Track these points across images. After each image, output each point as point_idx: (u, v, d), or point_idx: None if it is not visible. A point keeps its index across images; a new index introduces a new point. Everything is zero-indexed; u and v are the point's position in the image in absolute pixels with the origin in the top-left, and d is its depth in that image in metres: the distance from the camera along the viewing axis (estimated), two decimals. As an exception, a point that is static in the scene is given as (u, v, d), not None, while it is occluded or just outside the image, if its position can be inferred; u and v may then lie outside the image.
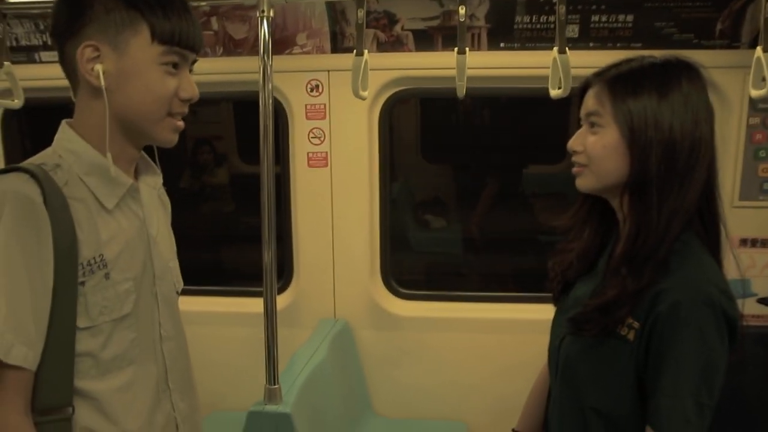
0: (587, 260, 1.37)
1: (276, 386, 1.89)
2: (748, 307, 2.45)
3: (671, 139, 1.19)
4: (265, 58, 1.78)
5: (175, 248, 1.39)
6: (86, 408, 1.13)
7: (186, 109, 1.20)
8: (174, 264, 1.34)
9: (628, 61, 1.27)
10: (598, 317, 1.21)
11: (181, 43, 1.15)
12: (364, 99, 1.92)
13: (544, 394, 1.50)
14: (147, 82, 1.13)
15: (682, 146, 1.19)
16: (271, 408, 1.87)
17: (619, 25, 2.34)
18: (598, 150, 1.24)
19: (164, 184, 1.37)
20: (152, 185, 1.29)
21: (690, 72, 1.24)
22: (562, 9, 1.75)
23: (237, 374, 2.76)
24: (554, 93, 1.82)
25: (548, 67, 1.94)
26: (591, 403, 1.26)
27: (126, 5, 1.12)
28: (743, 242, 2.44)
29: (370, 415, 2.68)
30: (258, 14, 1.77)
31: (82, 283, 1.11)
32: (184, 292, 2.95)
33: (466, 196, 4.58)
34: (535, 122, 3.85)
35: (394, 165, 4.65)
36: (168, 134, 1.19)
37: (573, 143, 1.29)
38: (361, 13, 1.79)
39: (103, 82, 1.11)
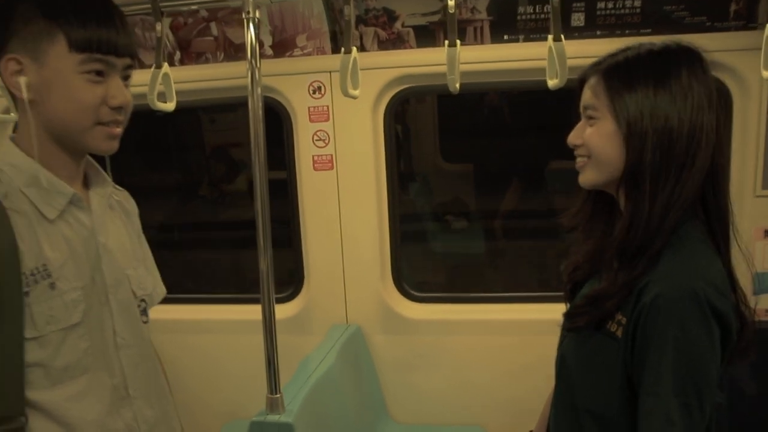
0: (597, 260, 1.30)
1: (278, 395, 1.86)
2: (774, 301, 2.34)
3: (668, 129, 1.14)
4: (253, 61, 1.74)
5: (141, 255, 1.39)
6: (39, 417, 1.13)
7: (120, 117, 1.18)
8: (135, 272, 1.33)
9: (625, 50, 1.23)
10: (588, 309, 1.19)
11: (102, 50, 1.13)
12: (355, 98, 1.88)
13: None
14: (68, 92, 1.12)
15: (680, 134, 1.14)
16: (272, 418, 1.83)
17: (627, 11, 2.25)
18: (595, 141, 1.21)
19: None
20: (102, 194, 1.28)
21: (690, 58, 1.19)
22: (556, -4, 1.68)
23: (254, 382, 2.74)
24: (552, 83, 1.76)
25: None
26: (584, 403, 1.22)
27: (43, 15, 1.12)
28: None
29: (386, 422, 2.62)
30: (244, 16, 1.74)
31: (26, 293, 1.10)
32: (196, 301, 2.96)
33: (488, 196, 4.50)
34: (557, 115, 3.75)
35: (412, 165, 4.63)
36: (101, 143, 1.18)
37: (572, 137, 1.26)
38: (349, 10, 1.74)
39: (25, 95, 1.12)
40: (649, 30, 2.25)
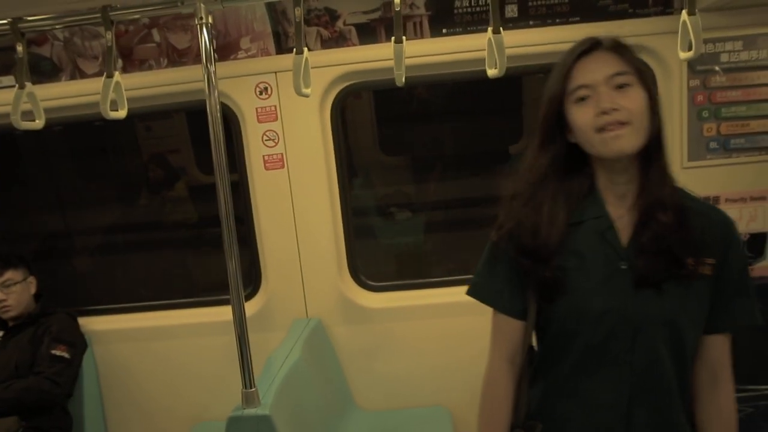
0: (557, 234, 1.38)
1: (253, 389, 1.90)
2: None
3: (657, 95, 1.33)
4: (209, 65, 1.77)
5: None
6: None
7: None
8: None
9: (598, 40, 1.33)
10: (665, 264, 1.32)
11: None
12: (307, 96, 1.92)
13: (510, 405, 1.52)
14: None
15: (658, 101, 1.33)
16: (249, 412, 1.87)
17: (556, 1, 2.38)
18: (639, 105, 1.27)
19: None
20: None
21: None
22: (494, -10, 1.77)
23: (218, 383, 2.75)
24: (491, 72, 1.85)
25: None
26: (690, 333, 1.38)
27: None
28: (696, 201, 2.51)
29: (353, 410, 2.69)
30: (196, 21, 1.77)
31: None
32: (153, 308, 2.95)
33: (427, 185, 4.61)
34: (491, 104, 3.89)
35: (351, 160, 4.68)
36: None
37: (607, 102, 1.26)
38: (299, 12, 1.79)
39: None
40: (577, 18, 2.39)
